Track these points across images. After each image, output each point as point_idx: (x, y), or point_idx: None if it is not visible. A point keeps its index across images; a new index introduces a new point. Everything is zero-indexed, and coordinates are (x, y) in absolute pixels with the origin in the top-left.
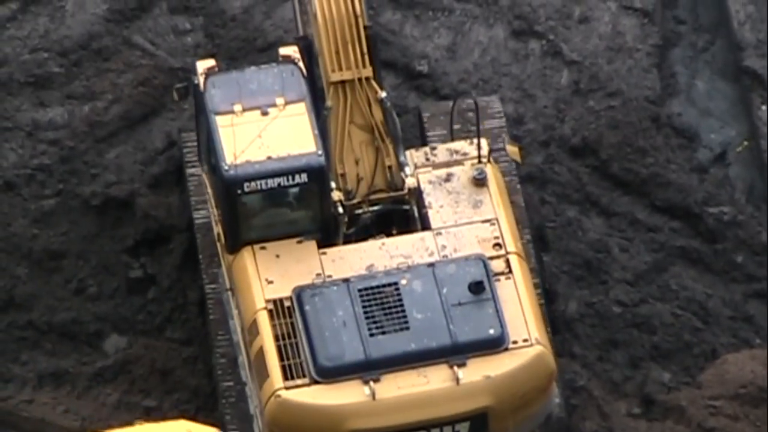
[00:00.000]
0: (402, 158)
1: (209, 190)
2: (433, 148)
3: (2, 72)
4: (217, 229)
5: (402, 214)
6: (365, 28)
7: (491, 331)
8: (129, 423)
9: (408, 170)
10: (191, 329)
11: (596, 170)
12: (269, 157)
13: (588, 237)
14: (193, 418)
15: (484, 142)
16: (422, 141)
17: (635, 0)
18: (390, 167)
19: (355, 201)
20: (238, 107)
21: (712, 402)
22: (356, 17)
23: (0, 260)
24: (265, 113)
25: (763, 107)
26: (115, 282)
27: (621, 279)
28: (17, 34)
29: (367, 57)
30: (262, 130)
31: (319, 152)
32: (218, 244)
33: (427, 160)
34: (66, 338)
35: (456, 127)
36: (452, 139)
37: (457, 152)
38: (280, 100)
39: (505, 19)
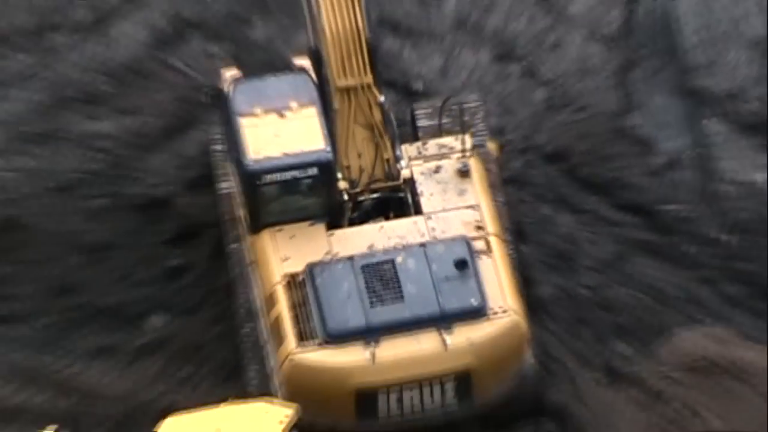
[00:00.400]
0: (398, 152)
1: (236, 178)
2: (425, 143)
3: (59, 90)
4: (241, 213)
5: (398, 201)
6: (367, 41)
7: (473, 302)
8: (217, 402)
9: (403, 163)
10: (220, 310)
11: (567, 174)
12: (285, 153)
13: (560, 231)
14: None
15: (468, 138)
16: (414, 134)
17: (600, 28)
18: (388, 160)
19: (357, 189)
20: (258, 110)
21: (667, 372)
22: (359, 32)
23: (57, 252)
24: (281, 115)
25: (710, 120)
26: (155, 270)
27: (589, 267)
28: (73, 58)
29: (368, 66)
30: (279, 129)
31: (328, 149)
32: (242, 225)
33: (419, 153)
34: (113, 318)
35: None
36: (441, 134)
37: (444, 146)
38: (294, 104)
39: (489, 45)
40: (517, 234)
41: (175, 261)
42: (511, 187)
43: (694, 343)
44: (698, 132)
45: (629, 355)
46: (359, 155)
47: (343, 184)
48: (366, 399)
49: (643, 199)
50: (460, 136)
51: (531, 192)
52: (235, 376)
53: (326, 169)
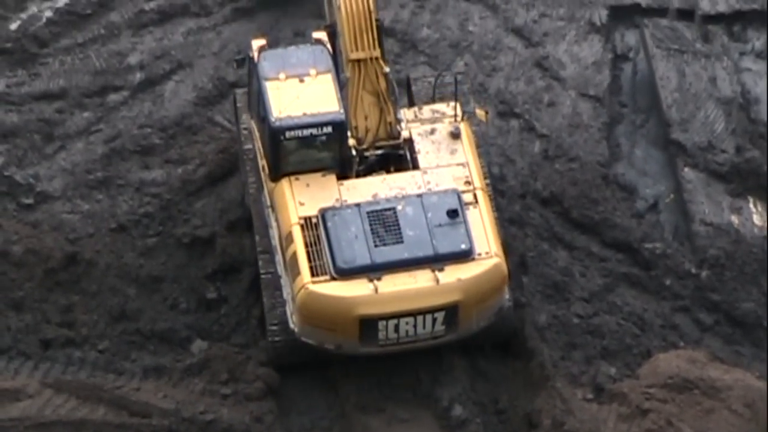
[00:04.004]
0: (399, 116)
1: (257, 134)
2: (420, 108)
3: (117, 143)
4: (262, 162)
5: (398, 157)
6: (376, 20)
7: (462, 246)
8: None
9: (403, 125)
10: (251, 336)
11: (561, 215)
12: (304, 113)
13: (556, 265)
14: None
15: (458, 106)
16: (409, 101)
17: (589, 89)
18: (390, 123)
19: (364, 146)
20: (282, 75)
21: (647, 389)
22: (370, 12)
23: (115, 283)
24: (301, 80)
25: (686, 169)
26: (198, 300)
27: (579, 297)
28: (128, 114)
29: (376, 41)
30: (299, 93)
31: (341, 111)
32: (263, 174)
33: (415, 116)
34: (163, 342)
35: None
36: (434, 102)
37: (437, 112)
38: (312, 71)
39: (492, 103)
40: (521, 266)
41: (214, 294)
42: (513, 227)
43: (670, 364)
44: (675, 179)
45: (614, 374)
46: (366, 117)
47: (351, 141)
48: (368, 326)
49: (627, 238)
50: (451, 103)
51: (531, 231)
52: (270, 394)
53: (339, 127)
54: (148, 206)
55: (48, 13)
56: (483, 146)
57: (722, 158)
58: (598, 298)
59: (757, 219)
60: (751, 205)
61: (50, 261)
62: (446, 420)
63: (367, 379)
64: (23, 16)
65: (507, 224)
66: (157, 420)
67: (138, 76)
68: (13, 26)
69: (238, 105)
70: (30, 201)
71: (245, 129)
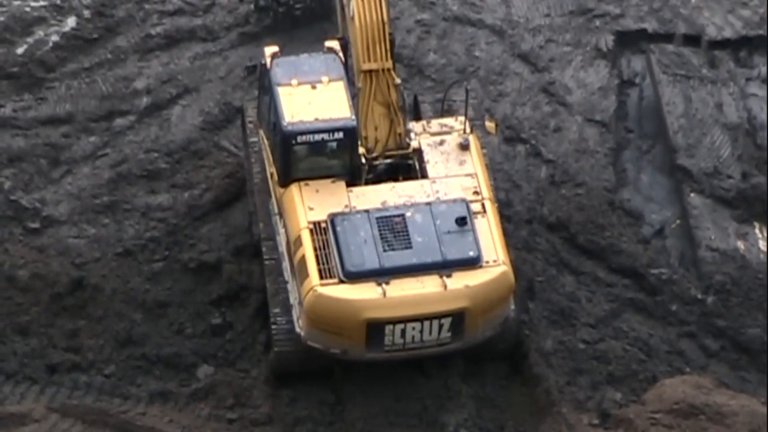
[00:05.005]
0: (408, 127)
1: (265, 143)
2: (429, 122)
3: (123, 167)
4: (271, 169)
5: (407, 167)
6: (389, 33)
7: (470, 253)
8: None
9: (412, 135)
10: (257, 362)
11: (567, 241)
12: (316, 119)
13: (563, 290)
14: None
15: (467, 119)
16: (416, 117)
17: (595, 114)
18: (400, 134)
19: (373, 155)
20: (294, 81)
21: (653, 415)
22: (383, 23)
23: (121, 308)
24: (314, 87)
25: (692, 195)
26: (203, 326)
27: (585, 322)
28: (134, 139)
29: (389, 53)
30: (312, 99)
31: (352, 117)
32: (270, 181)
33: (424, 129)
34: (169, 367)
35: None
36: (442, 116)
37: (445, 125)
38: (324, 78)
39: (499, 129)
40: (528, 291)
41: (219, 319)
42: (522, 252)
43: (676, 390)
44: (681, 205)
45: (620, 399)
46: (376, 128)
47: (361, 150)
48: (375, 330)
49: (633, 264)
50: (459, 117)
51: (538, 256)
52: (275, 419)
53: (350, 134)
54: (155, 231)
55: (54, 38)
56: (490, 170)
57: (728, 184)
58: (604, 324)
59: (763, 245)
60: (757, 231)
61: (56, 286)
62: None
63: (374, 405)
64: (30, 40)
65: (514, 250)
66: None
67: (144, 100)
68: (20, 50)
69: (248, 118)
70: (36, 225)
71: (255, 148)
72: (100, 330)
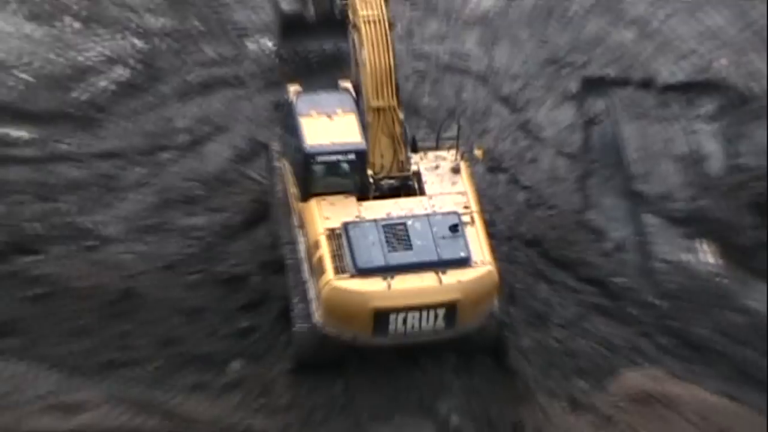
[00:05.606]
0: (408, 155)
1: (288, 168)
2: (425, 154)
3: (166, 194)
4: (293, 189)
5: (408, 187)
6: (395, 76)
7: (462, 254)
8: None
9: (412, 161)
10: (279, 358)
11: (542, 255)
12: (332, 143)
13: (539, 296)
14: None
15: (458, 151)
16: (412, 150)
17: (565, 147)
18: (401, 161)
19: (380, 176)
20: (314, 113)
21: (615, 402)
22: (390, 69)
23: (163, 313)
24: (330, 117)
25: (647, 215)
26: (233, 328)
27: (557, 324)
28: (175, 170)
29: (395, 93)
30: (328, 127)
31: (363, 142)
32: (292, 199)
33: (421, 159)
34: (205, 363)
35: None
36: (437, 149)
37: (439, 157)
38: (339, 111)
39: (483, 163)
40: (510, 297)
41: (247, 323)
42: (503, 263)
43: (635, 380)
44: (638, 224)
45: (587, 389)
46: (382, 155)
47: (369, 172)
48: (381, 318)
49: (598, 274)
50: (452, 151)
51: (517, 268)
52: (294, 407)
53: (360, 156)
54: (192, 248)
55: (108, 85)
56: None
57: (678, 206)
58: (573, 325)
59: (708, 258)
60: (703, 246)
61: (109, 294)
62: (445, 429)
63: (378, 395)
64: (87, 86)
65: (497, 262)
66: (200, 429)
67: (184, 137)
68: (79, 95)
69: (273, 150)
70: (92, 243)
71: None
72: (146, 332)
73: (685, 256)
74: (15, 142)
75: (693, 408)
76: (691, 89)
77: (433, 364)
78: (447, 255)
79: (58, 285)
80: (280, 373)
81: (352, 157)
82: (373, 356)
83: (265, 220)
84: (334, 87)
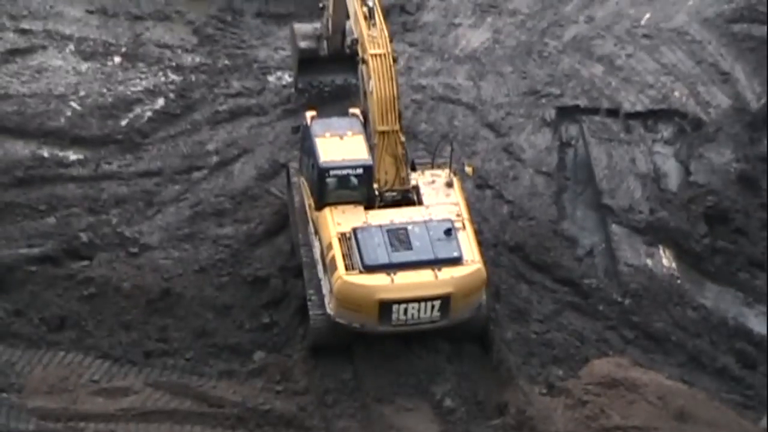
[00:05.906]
0: (409, 172)
1: (304, 184)
2: (422, 172)
3: (199, 207)
4: (309, 201)
5: (408, 198)
6: (399, 104)
7: (454, 254)
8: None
9: (411, 177)
10: (297, 349)
11: (523, 259)
12: (343, 159)
13: (520, 295)
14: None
15: (450, 171)
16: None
17: (542, 167)
18: (403, 178)
19: (384, 189)
20: (327, 134)
21: (586, 386)
22: (394, 97)
23: (198, 310)
24: (341, 138)
25: (613, 225)
26: (258, 322)
27: (536, 319)
28: (207, 186)
29: (398, 119)
30: (339, 146)
31: (370, 159)
32: (308, 210)
33: (420, 175)
34: (233, 352)
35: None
36: (433, 167)
37: (434, 174)
38: (349, 132)
39: (472, 180)
40: (495, 295)
41: (269, 318)
42: (489, 267)
43: (603, 367)
44: (606, 233)
45: (561, 375)
46: (386, 173)
47: (375, 185)
48: (385, 308)
49: (571, 276)
50: (445, 170)
51: (502, 270)
52: (310, 390)
53: (367, 170)
54: (222, 254)
55: (149, 113)
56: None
57: (640, 218)
58: (549, 319)
59: (665, 262)
60: (662, 252)
61: (150, 294)
62: (439, 409)
63: (382, 379)
64: (131, 115)
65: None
66: (229, 410)
67: (214, 158)
68: (123, 123)
69: (291, 170)
70: (135, 250)
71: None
72: (182, 326)
73: (646, 261)
74: (70, 163)
75: (653, 391)
76: (651, 116)
77: (428, 352)
78: (442, 254)
79: (106, 286)
80: (298, 361)
81: (360, 171)
82: (377, 341)
83: (285, 230)
84: (345, 114)
